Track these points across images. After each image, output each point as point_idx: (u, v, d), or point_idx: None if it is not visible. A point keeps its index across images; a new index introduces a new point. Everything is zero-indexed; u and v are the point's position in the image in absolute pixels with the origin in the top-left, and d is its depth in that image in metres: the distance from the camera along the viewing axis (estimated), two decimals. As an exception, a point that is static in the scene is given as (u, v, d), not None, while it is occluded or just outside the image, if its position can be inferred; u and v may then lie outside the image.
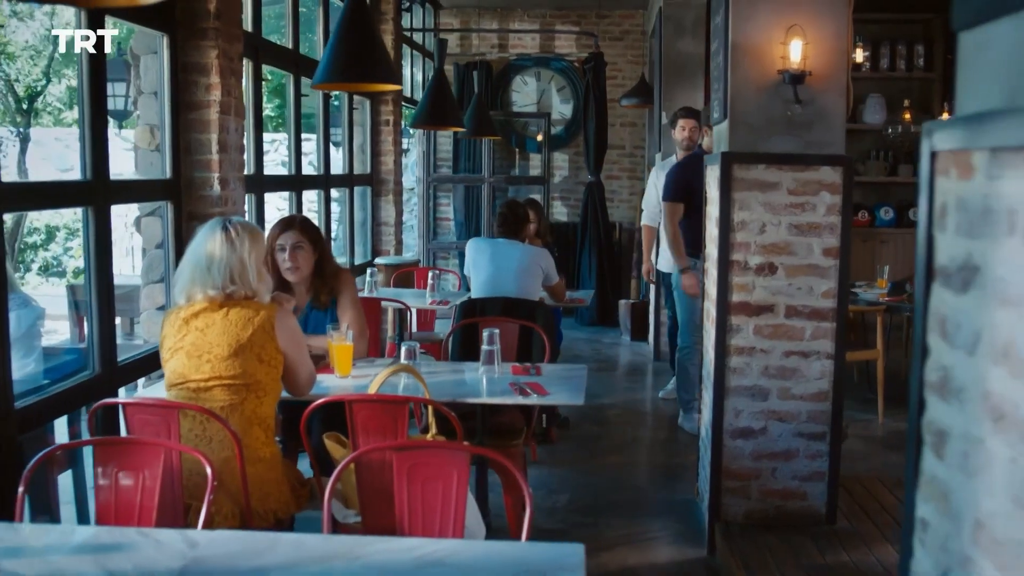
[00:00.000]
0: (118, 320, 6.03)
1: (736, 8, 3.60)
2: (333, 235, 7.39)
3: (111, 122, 5.37)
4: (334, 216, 7.34)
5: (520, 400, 3.10)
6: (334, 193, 6.82)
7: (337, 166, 6.90)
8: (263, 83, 5.01)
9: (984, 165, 1.25)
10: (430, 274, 5.49)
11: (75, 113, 5.78)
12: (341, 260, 6.88)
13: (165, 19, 3.87)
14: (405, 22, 8.51)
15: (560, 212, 9.75)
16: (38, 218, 9.38)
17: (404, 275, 6.50)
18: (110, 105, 5.21)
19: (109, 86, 5.54)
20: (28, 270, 9.76)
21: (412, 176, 9.83)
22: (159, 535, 1.94)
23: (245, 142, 4.85)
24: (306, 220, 3.74)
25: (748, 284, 3.66)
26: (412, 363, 3.20)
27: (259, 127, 4.92)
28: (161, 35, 3.91)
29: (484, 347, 3.41)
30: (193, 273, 2.90)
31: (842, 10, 3.57)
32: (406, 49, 8.71)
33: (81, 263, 7.25)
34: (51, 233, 9.52)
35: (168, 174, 3.97)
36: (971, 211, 1.29)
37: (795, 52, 3.54)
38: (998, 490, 1.19)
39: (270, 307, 2.93)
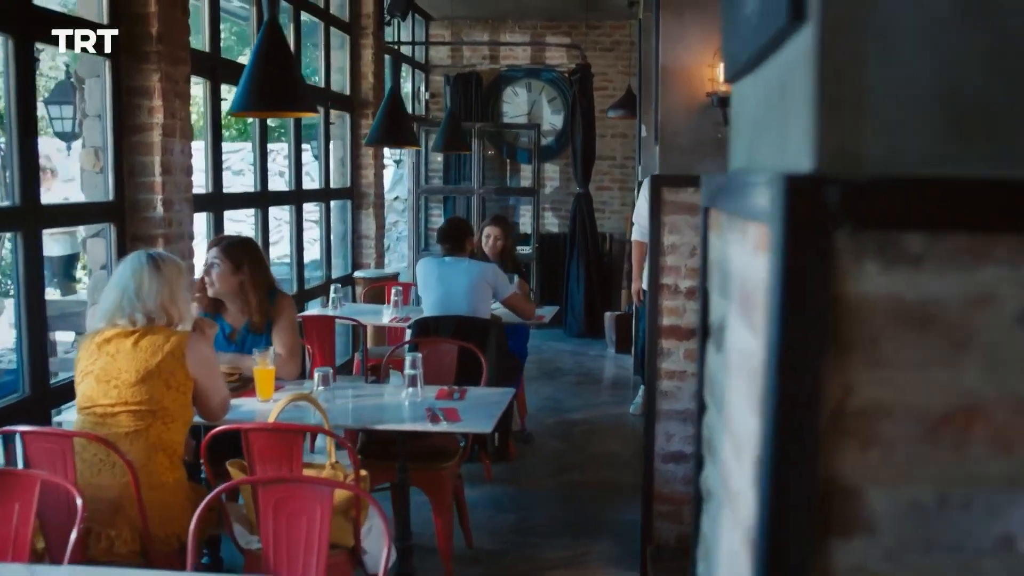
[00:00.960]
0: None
1: (665, 30, 3.59)
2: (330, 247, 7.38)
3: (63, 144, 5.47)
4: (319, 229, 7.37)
5: (430, 427, 3.10)
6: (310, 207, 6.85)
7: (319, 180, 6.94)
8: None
9: (724, 226, 1.24)
10: (393, 291, 5.49)
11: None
12: (316, 274, 6.93)
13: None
14: (395, 35, 8.54)
15: (551, 223, 9.73)
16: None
17: (376, 290, 6.51)
18: (58, 127, 5.30)
19: (58, 108, 5.65)
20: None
21: (405, 187, 9.86)
22: (3, 570, 1.96)
23: (203, 161, 4.90)
24: (233, 244, 3.73)
25: (678, 308, 3.63)
26: (325, 389, 3.21)
27: (217, 145, 4.96)
28: (103, 59, 3.96)
29: (407, 371, 3.41)
30: (121, 300, 2.94)
31: (771, 32, 3.54)
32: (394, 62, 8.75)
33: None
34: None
35: (111, 196, 4.01)
36: (723, 271, 1.27)
37: (723, 74, 3.50)
38: (723, 559, 1.17)
39: (182, 334, 2.96)
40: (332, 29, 6.83)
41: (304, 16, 6.29)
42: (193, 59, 4.45)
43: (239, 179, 12.25)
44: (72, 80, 4.26)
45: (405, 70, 9.13)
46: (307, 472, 2.78)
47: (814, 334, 0.79)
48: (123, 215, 4.05)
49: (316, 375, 3.24)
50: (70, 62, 3.80)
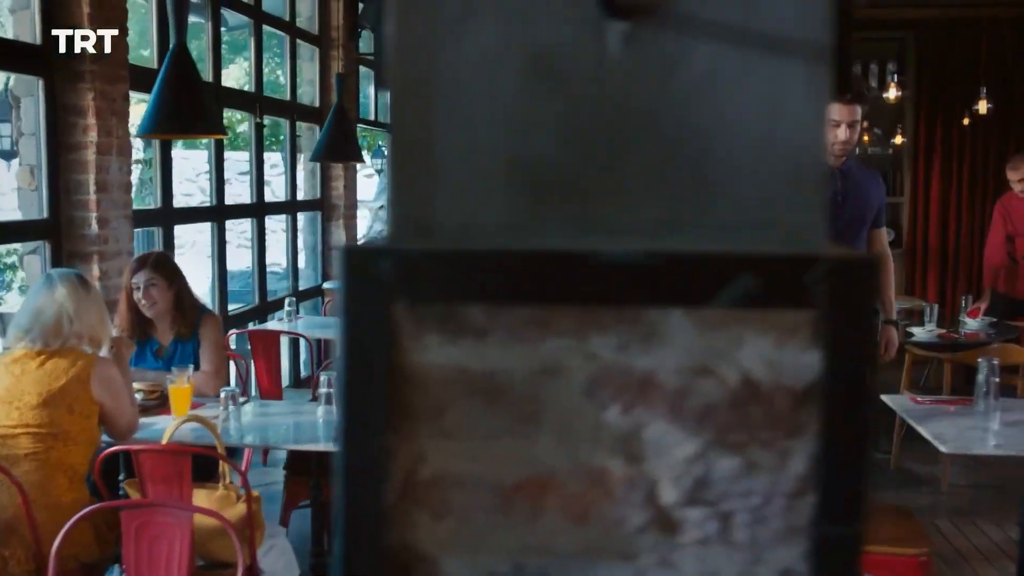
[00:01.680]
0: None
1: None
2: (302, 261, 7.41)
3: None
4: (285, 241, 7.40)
5: (334, 446, 3.10)
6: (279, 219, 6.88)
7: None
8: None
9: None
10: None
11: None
12: (282, 284, 6.96)
13: (40, 64, 3.95)
14: (374, 47, 8.56)
15: (533, 231, 9.73)
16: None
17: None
18: (-4, 145, 5.39)
19: (-5, 126, 5.73)
20: (8, 290, 10.03)
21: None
22: None
23: (153, 176, 4.95)
24: (160, 258, 3.79)
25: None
26: (235, 408, 3.23)
27: (166, 159, 5.00)
28: (37, 79, 4.00)
29: (321, 390, 3.42)
30: (38, 319, 2.96)
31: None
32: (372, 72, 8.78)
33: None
34: (30, 254, 9.80)
35: (46, 214, 4.05)
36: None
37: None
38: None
39: (89, 357, 2.97)
40: (300, 42, 6.87)
41: (270, 29, 6.33)
42: (138, 75, 4.49)
43: (228, 188, 12.32)
44: (8, 98, 4.34)
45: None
46: (198, 492, 2.79)
47: (375, 404, 0.79)
48: (59, 233, 4.09)
49: (222, 394, 3.26)
50: (7, 80, 3.85)
